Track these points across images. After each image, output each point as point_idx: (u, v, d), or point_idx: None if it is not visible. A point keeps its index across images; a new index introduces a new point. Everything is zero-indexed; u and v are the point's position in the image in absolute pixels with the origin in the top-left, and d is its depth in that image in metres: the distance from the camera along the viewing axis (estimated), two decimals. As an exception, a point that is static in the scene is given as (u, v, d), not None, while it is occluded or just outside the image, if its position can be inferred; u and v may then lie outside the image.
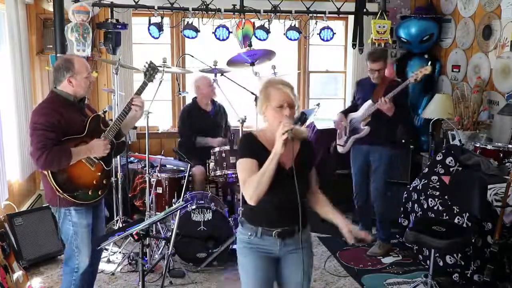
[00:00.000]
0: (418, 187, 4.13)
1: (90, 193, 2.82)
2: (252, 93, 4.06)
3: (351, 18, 5.45)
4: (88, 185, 2.81)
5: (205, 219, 3.85)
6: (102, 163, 2.87)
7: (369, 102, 4.02)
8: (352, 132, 4.18)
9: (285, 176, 2.17)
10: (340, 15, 5.19)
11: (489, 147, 4.10)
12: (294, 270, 2.28)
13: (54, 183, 2.71)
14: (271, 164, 2.07)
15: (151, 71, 3.17)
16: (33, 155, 2.65)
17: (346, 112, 4.32)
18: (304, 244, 2.27)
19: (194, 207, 3.86)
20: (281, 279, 2.33)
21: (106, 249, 4.04)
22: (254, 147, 2.16)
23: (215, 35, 4.80)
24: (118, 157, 4.21)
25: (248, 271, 2.26)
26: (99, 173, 2.86)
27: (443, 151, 4.19)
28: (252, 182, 2.11)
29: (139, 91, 3.04)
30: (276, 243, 2.23)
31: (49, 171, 2.70)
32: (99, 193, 2.88)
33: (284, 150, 2.11)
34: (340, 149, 4.34)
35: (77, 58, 2.83)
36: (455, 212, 3.62)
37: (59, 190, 2.72)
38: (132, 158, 4.98)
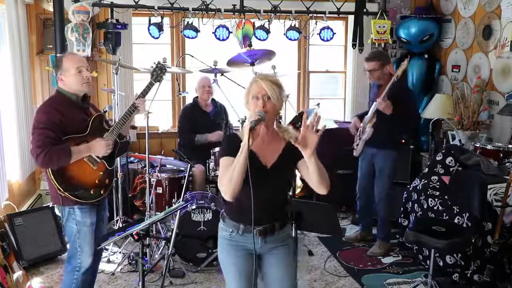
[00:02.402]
0: (418, 187, 4.13)
1: (92, 192, 2.82)
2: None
3: (351, 18, 5.45)
4: (90, 184, 2.81)
5: (205, 219, 3.85)
6: (105, 163, 2.88)
7: (375, 103, 4.03)
8: (362, 134, 4.19)
9: (266, 175, 2.21)
10: (340, 15, 5.19)
11: (489, 147, 4.10)
12: (276, 267, 2.32)
13: (55, 182, 2.71)
14: (240, 157, 2.08)
15: (158, 71, 3.18)
16: (32, 153, 2.67)
17: (361, 116, 4.32)
18: (285, 242, 2.33)
19: (194, 207, 3.86)
20: (264, 277, 2.37)
21: (106, 249, 4.04)
22: (234, 145, 2.16)
23: (215, 35, 4.80)
24: (118, 157, 4.21)
25: (230, 268, 2.30)
26: (101, 172, 2.86)
27: (443, 151, 4.19)
28: (225, 178, 2.16)
29: (144, 93, 3.04)
30: (257, 241, 2.26)
31: (50, 170, 2.70)
32: (101, 192, 2.88)
33: (265, 148, 2.22)
34: (354, 152, 4.35)
35: (68, 56, 2.85)
36: (455, 212, 3.62)
37: (60, 188, 2.72)
38: (132, 158, 4.98)
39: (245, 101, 2.28)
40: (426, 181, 4.10)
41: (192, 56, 4.38)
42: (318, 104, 4.78)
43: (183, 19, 4.91)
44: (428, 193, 3.97)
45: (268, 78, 2.23)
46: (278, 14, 4.95)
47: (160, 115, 5.46)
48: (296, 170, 2.33)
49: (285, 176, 2.30)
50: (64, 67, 2.77)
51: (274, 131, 2.28)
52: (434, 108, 4.93)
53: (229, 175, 2.13)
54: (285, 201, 2.37)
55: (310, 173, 2.17)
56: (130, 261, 3.95)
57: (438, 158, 4.16)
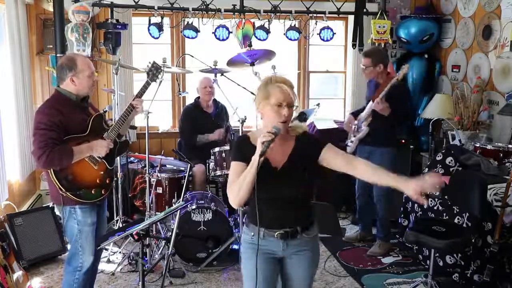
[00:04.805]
0: (418, 187, 4.12)
1: (93, 192, 2.82)
2: (252, 93, 4.06)
3: (351, 18, 5.45)
4: (91, 184, 2.82)
5: (205, 219, 3.85)
6: (105, 162, 2.88)
7: (371, 102, 4.03)
8: (357, 132, 4.19)
9: (276, 177, 2.15)
10: (340, 15, 5.19)
11: (489, 147, 4.10)
12: (298, 270, 2.27)
13: (57, 182, 2.72)
14: (250, 171, 2.02)
15: (154, 71, 3.18)
16: (34, 154, 2.66)
17: (356, 113, 4.32)
18: (310, 246, 2.27)
19: (194, 207, 3.86)
20: (285, 278, 2.32)
21: (106, 249, 4.04)
22: (245, 149, 2.12)
23: (215, 35, 4.81)
24: (118, 157, 4.21)
25: (250, 271, 2.25)
26: (102, 172, 2.87)
27: (443, 151, 4.19)
28: (234, 186, 2.10)
29: (141, 93, 3.05)
30: (279, 244, 2.21)
31: (52, 170, 2.70)
32: (102, 192, 2.88)
33: (275, 150, 2.11)
34: (348, 149, 4.35)
35: (80, 57, 2.83)
36: (455, 212, 3.62)
37: (62, 189, 2.72)
38: (132, 158, 4.98)
39: (260, 105, 2.15)
40: (426, 181, 4.09)
41: (192, 56, 4.38)
42: (318, 104, 4.79)
43: (183, 19, 4.92)
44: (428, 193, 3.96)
45: (287, 82, 2.11)
46: (278, 14, 4.95)
47: (160, 115, 5.45)
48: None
49: (298, 176, 2.17)
50: (79, 68, 2.75)
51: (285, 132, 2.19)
52: (434, 108, 4.93)
53: (238, 185, 2.08)
54: (305, 203, 2.28)
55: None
56: (130, 261, 3.95)
57: (438, 158, 4.15)
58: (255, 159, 2.00)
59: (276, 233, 2.19)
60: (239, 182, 2.07)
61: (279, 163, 2.17)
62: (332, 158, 2.17)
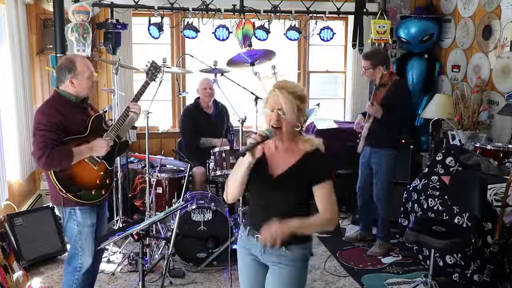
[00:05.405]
0: (418, 187, 4.13)
1: (93, 192, 2.82)
2: (252, 93, 4.06)
3: (351, 18, 5.45)
4: (91, 184, 2.82)
5: (205, 219, 3.85)
6: (105, 163, 2.88)
7: None
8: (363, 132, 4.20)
9: (270, 184, 2.11)
10: (340, 15, 5.19)
11: (489, 147, 4.10)
12: (270, 283, 2.17)
13: (57, 183, 2.71)
14: (238, 171, 2.02)
15: (153, 70, 3.18)
16: (34, 154, 2.66)
17: (365, 113, 4.32)
18: (287, 262, 2.12)
19: (194, 207, 3.86)
20: None
21: (106, 249, 4.03)
22: None
23: (215, 35, 4.81)
24: (118, 157, 4.21)
25: (238, 268, 2.31)
26: (102, 173, 2.87)
27: (443, 151, 4.19)
28: (230, 182, 2.15)
29: (140, 92, 3.03)
30: (258, 247, 2.16)
31: (52, 171, 2.70)
32: (102, 192, 2.89)
33: (278, 157, 2.11)
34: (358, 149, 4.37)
35: (79, 58, 2.82)
36: (455, 212, 3.62)
37: (62, 190, 2.72)
38: (132, 158, 4.97)
39: (263, 109, 2.14)
40: (426, 181, 4.10)
41: (192, 56, 4.38)
42: (318, 104, 4.79)
43: (183, 19, 4.92)
44: (428, 193, 3.97)
45: (288, 88, 2.01)
46: (278, 14, 4.95)
47: (160, 115, 5.46)
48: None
49: (291, 191, 2.09)
50: (79, 70, 2.74)
51: (293, 142, 2.11)
52: (434, 108, 4.93)
53: (228, 182, 2.13)
54: (296, 218, 2.08)
55: None
56: (130, 261, 3.95)
57: (438, 158, 4.16)
58: (244, 161, 2.01)
59: (256, 235, 2.16)
60: (230, 179, 2.11)
61: (277, 171, 2.12)
62: (316, 195, 2.08)
